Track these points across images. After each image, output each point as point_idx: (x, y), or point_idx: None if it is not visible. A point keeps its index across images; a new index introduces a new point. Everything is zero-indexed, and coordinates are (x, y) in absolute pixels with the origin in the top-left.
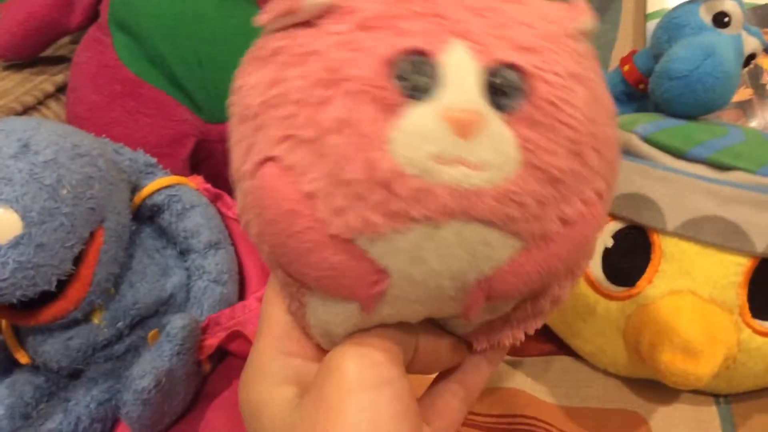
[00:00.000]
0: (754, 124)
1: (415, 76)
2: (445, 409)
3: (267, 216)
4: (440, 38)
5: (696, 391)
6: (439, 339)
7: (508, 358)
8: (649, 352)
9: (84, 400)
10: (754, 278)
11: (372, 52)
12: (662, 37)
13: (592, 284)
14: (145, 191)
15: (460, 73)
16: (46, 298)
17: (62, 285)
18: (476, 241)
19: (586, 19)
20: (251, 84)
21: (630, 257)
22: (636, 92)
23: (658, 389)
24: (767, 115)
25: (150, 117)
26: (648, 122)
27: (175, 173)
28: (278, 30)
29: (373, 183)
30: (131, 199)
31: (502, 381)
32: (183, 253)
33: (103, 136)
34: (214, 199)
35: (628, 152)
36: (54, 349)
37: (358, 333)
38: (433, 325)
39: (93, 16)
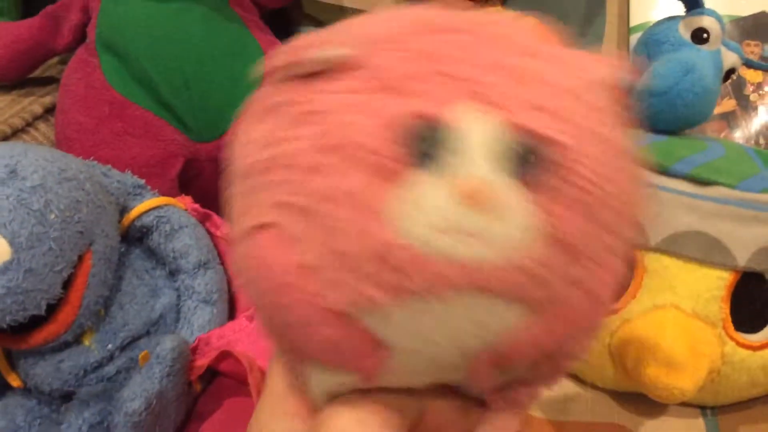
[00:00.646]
0: (737, 135)
1: (422, 142)
2: None
3: (260, 286)
4: (452, 101)
5: (683, 404)
6: (449, 402)
7: None
8: (635, 367)
9: (76, 423)
10: (736, 292)
11: (377, 115)
12: (643, 53)
13: None
14: (134, 213)
15: (472, 139)
16: (36, 322)
17: (52, 308)
18: (480, 313)
19: (604, 69)
20: (248, 140)
21: None
22: None
23: (645, 402)
24: (750, 126)
25: (138, 138)
26: None
27: (164, 193)
28: (281, 80)
29: (368, 254)
30: (120, 221)
31: None
32: (172, 274)
33: (92, 157)
34: (203, 219)
35: None
36: (45, 371)
37: (357, 394)
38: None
39: (80, 38)
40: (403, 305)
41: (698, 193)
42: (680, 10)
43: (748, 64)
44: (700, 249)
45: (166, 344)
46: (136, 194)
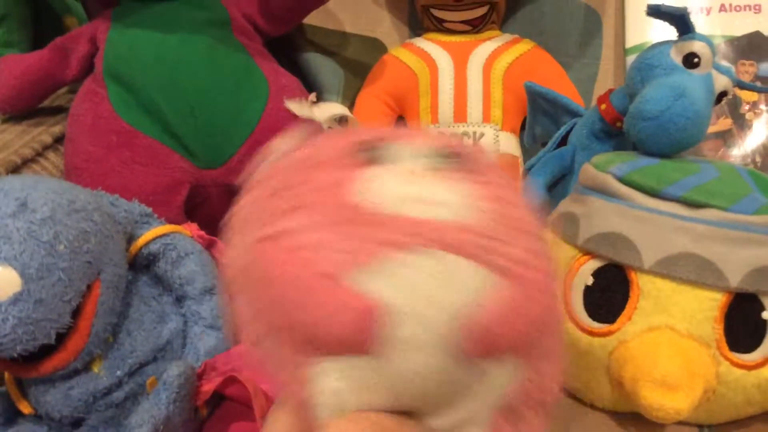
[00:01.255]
0: (734, 153)
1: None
2: None
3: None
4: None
5: (680, 423)
6: None
7: None
8: (631, 388)
9: None
10: (729, 312)
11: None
12: (636, 77)
13: (575, 322)
14: (141, 241)
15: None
16: (46, 351)
17: (61, 337)
18: (455, 271)
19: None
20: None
21: (609, 295)
22: (613, 130)
23: (643, 422)
24: (746, 145)
25: (145, 166)
26: (623, 162)
27: (170, 219)
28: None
29: (356, 221)
30: (127, 249)
31: None
32: (179, 300)
33: (100, 186)
34: (209, 246)
35: (605, 192)
36: (55, 398)
37: (356, 414)
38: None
39: (88, 69)
40: (386, 260)
41: (691, 215)
42: (675, 33)
43: (740, 85)
44: (693, 271)
45: (173, 370)
46: (143, 222)
